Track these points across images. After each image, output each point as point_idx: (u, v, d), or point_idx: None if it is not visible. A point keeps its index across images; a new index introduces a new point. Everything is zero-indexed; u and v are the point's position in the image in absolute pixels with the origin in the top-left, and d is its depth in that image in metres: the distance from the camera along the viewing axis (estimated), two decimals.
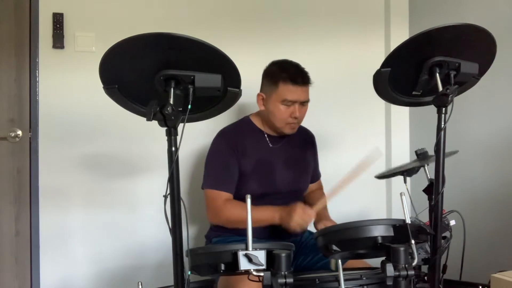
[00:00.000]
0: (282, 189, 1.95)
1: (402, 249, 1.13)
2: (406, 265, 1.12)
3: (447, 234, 1.47)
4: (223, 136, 1.96)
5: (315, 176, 2.18)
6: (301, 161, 2.06)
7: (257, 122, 2.00)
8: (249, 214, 1.14)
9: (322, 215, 1.96)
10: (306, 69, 1.92)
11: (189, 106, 1.19)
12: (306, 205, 1.83)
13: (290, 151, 2.01)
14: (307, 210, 1.78)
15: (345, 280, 1.15)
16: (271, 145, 1.98)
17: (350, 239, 1.25)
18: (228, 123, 2.06)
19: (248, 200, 1.15)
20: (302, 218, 1.75)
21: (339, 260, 1.17)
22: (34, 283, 2.22)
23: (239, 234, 1.75)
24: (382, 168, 2.68)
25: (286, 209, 1.80)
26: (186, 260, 1.21)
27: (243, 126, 2.01)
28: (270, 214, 1.81)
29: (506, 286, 1.28)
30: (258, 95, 1.95)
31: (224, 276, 1.67)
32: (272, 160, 1.96)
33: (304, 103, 1.90)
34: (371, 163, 1.83)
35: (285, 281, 1.09)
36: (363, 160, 1.81)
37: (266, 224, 1.81)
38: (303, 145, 2.09)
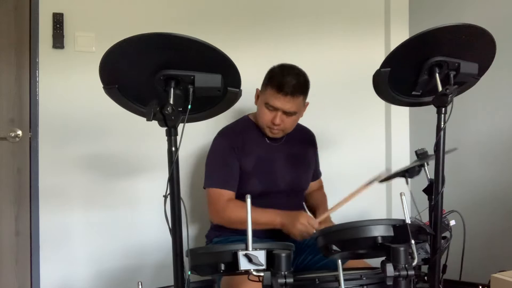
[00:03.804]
0: (283, 187, 1.95)
1: (402, 249, 1.13)
2: (406, 265, 1.11)
3: (447, 234, 1.47)
4: (223, 135, 1.97)
5: (316, 174, 2.19)
6: (302, 159, 2.06)
7: (256, 121, 2.00)
8: (249, 214, 1.14)
9: (324, 218, 1.96)
10: (307, 78, 1.87)
11: (189, 106, 1.19)
12: (309, 212, 1.83)
13: (290, 149, 2.01)
14: (311, 220, 1.77)
15: (345, 280, 1.15)
16: (269, 142, 1.98)
17: (350, 239, 1.25)
18: (228, 123, 2.06)
19: (248, 200, 1.15)
20: (306, 228, 1.75)
21: (339, 260, 1.17)
22: (34, 283, 2.22)
23: (240, 233, 1.75)
24: (382, 169, 2.69)
25: (289, 215, 1.79)
26: (186, 260, 1.21)
27: (242, 124, 2.02)
28: (272, 218, 1.81)
29: (506, 286, 1.28)
30: (256, 90, 1.97)
31: (226, 276, 1.67)
32: (272, 158, 1.97)
33: (288, 113, 1.86)
34: (377, 181, 1.82)
35: (285, 281, 1.09)
36: (369, 179, 1.80)
37: (267, 227, 1.80)
38: (303, 143, 2.09)
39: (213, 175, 1.92)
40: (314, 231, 1.74)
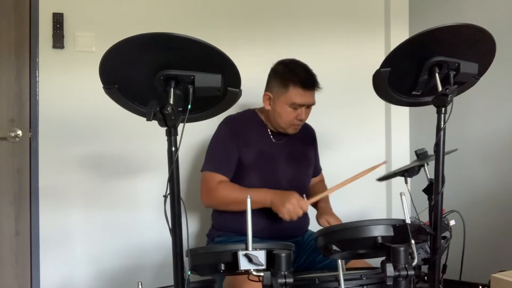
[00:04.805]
0: (284, 185, 1.94)
1: (402, 249, 1.13)
2: (406, 265, 1.12)
3: (447, 234, 1.47)
4: (227, 123, 1.97)
5: (317, 170, 2.20)
6: (303, 156, 2.07)
7: (262, 116, 2.01)
8: (249, 215, 1.14)
9: (324, 209, 1.96)
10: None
11: (189, 106, 1.19)
12: (303, 197, 1.83)
13: (293, 147, 2.02)
14: (301, 202, 1.77)
15: (345, 280, 1.15)
16: (274, 140, 1.99)
17: (350, 239, 1.25)
18: None
19: (248, 201, 1.15)
20: (294, 208, 1.74)
21: (341, 260, 1.17)
22: (34, 283, 2.23)
23: (241, 233, 1.74)
24: (382, 169, 2.69)
25: (280, 194, 1.80)
26: (186, 260, 1.21)
27: (248, 117, 2.02)
28: (263, 196, 1.80)
29: (506, 286, 1.28)
30: (265, 94, 1.95)
31: (229, 277, 1.67)
32: (274, 155, 1.97)
33: (309, 106, 1.92)
34: (375, 168, 1.82)
35: (285, 281, 1.09)
36: (368, 168, 1.80)
37: (258, 206, 1.78)
38: (304, 140, 2.10)
39: (210, 159, 1.94)
40: (302, 213, 1.75)
